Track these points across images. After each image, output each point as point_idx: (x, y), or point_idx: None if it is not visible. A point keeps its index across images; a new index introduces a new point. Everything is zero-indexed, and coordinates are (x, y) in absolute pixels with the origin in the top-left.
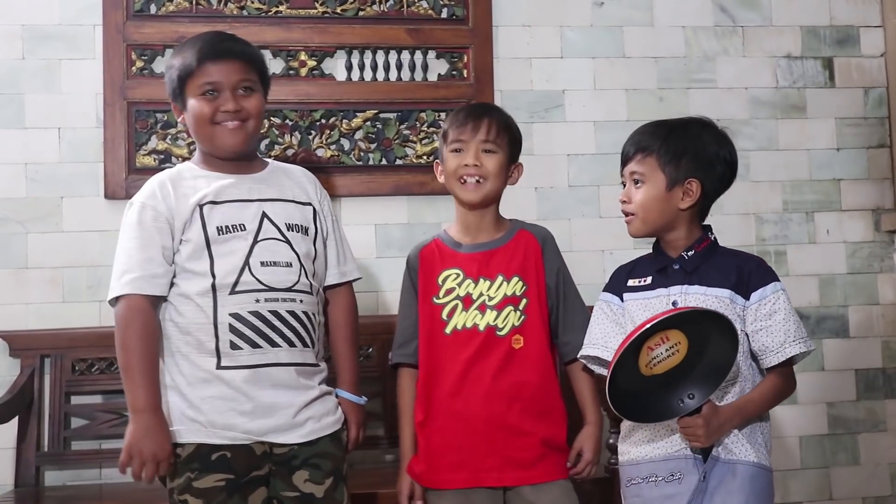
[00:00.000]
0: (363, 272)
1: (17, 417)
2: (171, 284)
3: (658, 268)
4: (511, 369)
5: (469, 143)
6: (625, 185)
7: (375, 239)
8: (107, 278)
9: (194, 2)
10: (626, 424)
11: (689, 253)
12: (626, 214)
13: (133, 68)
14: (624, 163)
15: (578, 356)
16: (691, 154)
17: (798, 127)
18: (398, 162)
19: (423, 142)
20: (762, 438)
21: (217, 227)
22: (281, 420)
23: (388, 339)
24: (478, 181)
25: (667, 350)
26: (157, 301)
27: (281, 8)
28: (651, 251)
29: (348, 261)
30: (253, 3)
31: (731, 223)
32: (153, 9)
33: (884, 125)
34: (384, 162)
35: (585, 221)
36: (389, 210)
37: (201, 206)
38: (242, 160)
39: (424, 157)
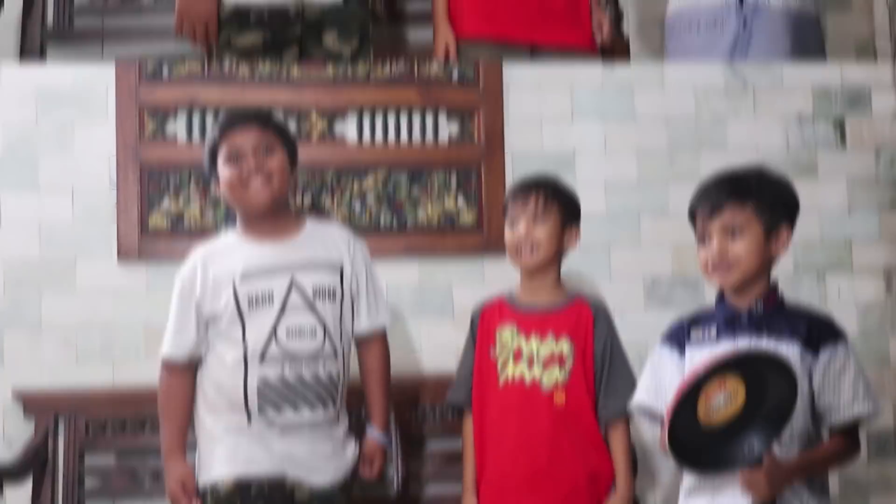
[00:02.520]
0: None
1: (31, 477)
2: (211, 344)
3: (725, 319)
4: (552, 424)
5: (520, 216)
6: (705, 241)
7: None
8: (120, 339)
9: (206, 65)
10: (689, 479)
11: (759, 304)
12: (717, 268)
13: (146, 131)
14: (709, 215)
15: (632, 404)
16: (781, 201)
17: (809, 189)
18: (409, 224)
19: (435, 203)
20: (822, 487)
21: (248, 300)
22: (301, 469)
23: (400, 400)
24: (531, 250)
25: (725, 399)
26: (187, 362)
27: (292, 71)
28: (714, 304)
29: (380, 310)
30: (265, 66)
31: None
32: (165, 72)
33: None
34: (395, 223)
35: (596, 282)
36: (400, 272)
37: (234, 282)
38: (277, 220)
39: (436, 219)
